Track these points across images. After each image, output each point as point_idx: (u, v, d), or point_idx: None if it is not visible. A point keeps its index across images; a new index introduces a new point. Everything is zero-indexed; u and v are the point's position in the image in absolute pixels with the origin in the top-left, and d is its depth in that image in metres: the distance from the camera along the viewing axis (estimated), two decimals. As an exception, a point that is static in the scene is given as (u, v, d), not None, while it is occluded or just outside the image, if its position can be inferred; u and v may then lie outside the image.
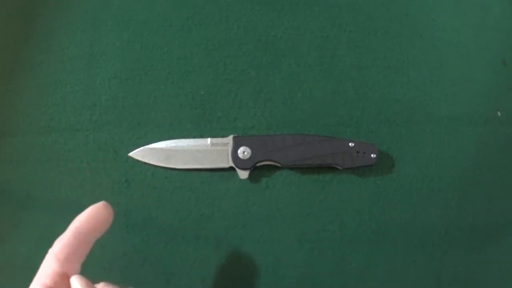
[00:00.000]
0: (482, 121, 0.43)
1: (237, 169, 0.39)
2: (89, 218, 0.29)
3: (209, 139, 0.40)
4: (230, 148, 0.39)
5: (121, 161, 0.41)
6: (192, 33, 0.44)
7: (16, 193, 0.40)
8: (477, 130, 0.43)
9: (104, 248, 0.38)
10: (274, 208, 0.40)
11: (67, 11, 0.44)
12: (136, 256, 0.39)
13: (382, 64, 0.44)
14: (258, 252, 0.39)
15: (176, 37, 0.43)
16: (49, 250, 0.28)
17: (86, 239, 0.29)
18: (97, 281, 0.29)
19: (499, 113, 0.44)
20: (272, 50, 0.43)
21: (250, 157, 0.39)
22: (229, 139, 0.40)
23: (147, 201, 0.40)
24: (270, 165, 0.40)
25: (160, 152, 0.40)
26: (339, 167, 0.40)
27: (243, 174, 0.39)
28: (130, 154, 0.40)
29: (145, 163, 0.40)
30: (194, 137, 0.41)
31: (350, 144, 0.39)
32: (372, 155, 0.39)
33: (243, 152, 0.39)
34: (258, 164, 0.39)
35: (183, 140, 0.40)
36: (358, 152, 0.39)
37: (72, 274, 0.28)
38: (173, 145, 0.40)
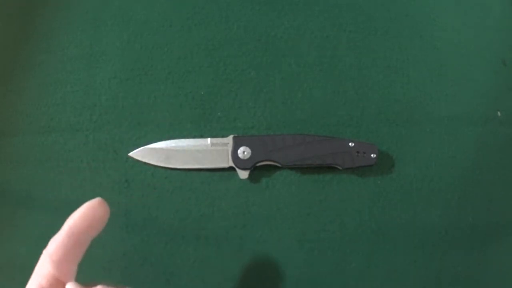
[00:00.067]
0: (482, 121, 0.43)
1: (237, 169, 0.39)
2: (84, 216, 0.27)
3: (209, 139, 0.40)
4: (230, 148, 0.39)
5: (121, 161, 0.41)
6: (192, 33, 0.44)
7: (16, 193, 0.40)
8: (477, 130, 0.43)
9: (104, 248, 0.38)
10: (274, 208, 0.40)
11: (67, 11, 0.44)
12: (136, 256, 0.39)
13: (382, 64, 0.44)
14: (258, 252, 0.39)
15: (176, 37, 0.43)
16: (43, 251, 0.27)
17: (81, 238, 0.27)
18: (95, 283, 0.28)
19: (499, 113, 0.44)
20: (272, 50, 0.43)
21: (250, 157, 0.39)
22: (229, 139, 0.40)
23: (147, 201, 0.40)
24: (270, 165, 0.40)
25: (160, 152, 0.40)
26: (339, 167, 0.40)
27: (243, 174, 0.39)
28: (130, 154, 0.40)
29: (145, 163, 0.40)
30: (194, 137, 0.41)
31: (350, 144, 0.39)
32: (372, 155, 0.39)
33: (243, 152, 0.39)
34: (258, 164, 0.39)
35: (183, 140, 0.40)
36: (358, 152, 0.39)
37: (68, 275, 0.27)
38: (173, 145, 0.40)
